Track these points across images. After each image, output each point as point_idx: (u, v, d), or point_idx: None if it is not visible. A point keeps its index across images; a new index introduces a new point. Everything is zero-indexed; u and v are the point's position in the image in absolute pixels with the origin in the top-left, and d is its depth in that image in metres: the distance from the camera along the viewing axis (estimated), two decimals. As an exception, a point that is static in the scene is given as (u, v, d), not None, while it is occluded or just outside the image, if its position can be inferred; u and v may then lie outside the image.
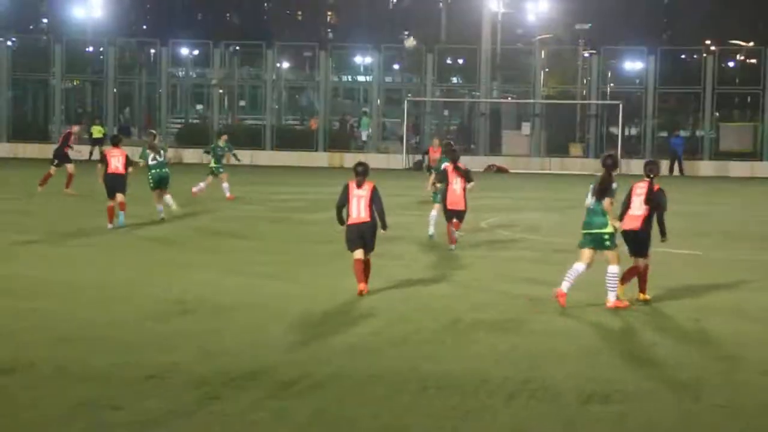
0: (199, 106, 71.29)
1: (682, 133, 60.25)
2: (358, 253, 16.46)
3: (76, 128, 34.71)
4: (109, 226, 24.54)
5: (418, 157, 56.22)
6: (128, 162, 25.86)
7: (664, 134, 62.15)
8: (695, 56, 70.59)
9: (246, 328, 13.70)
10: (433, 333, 13.52)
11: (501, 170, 54.05)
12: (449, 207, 21.67)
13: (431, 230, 23.49)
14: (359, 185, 16.60)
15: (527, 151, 58.64)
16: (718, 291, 17.44)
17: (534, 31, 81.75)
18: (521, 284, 17.65)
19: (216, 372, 11.18)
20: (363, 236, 16.45)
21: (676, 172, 54.65)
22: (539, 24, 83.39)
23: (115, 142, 26.96)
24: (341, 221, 16.74)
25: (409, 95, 60.68)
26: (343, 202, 16.62)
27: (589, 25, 77.28)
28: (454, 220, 21.71)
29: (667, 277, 18.87)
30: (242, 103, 68.51)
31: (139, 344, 12.54)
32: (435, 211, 23.42)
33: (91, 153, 55.40)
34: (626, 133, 61.47)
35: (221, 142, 33.72)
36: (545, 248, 22.71)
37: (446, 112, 68.66)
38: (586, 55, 66.87)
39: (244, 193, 33.99)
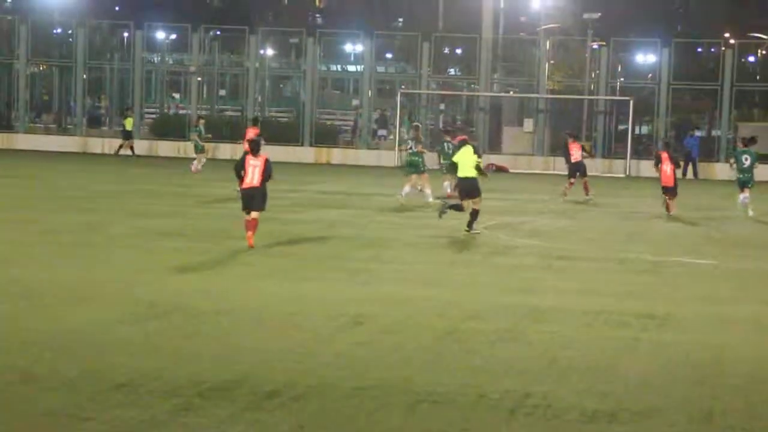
0: (176, 95, 71.28)
1: (698, 133, 60.37)
2: (249, 215, 21.85)
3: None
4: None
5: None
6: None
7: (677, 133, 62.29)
8: (713, 49, 70.76)
9: (224, 333, 13.72)
10: (426, 343, 13.53)
11: (501, 170, 54.10)
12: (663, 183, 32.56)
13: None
14: (254, 155, 22.17)
15: (529, 149, 58.72)
16: (736, 304, 17.49)
17: (538, 20, 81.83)
18: (522, 293, 17.69)
19: (191, 381, 11.21)
20: (252, 198, 21.82)
21: (689, 174, 54.77)
22: (544, 12, 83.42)
23: (255, 123, 36.53)
24: (239, 178, 22.35)
25: (403, 87, 60.73)
26: (241, 167, 22.25)
27: (599, 14, 77.33)
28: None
29: (681, 288, 18.97)
30: (222, 92, 68.48)
31: (110, 349, 12.57)
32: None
33: (120, 146, 55.27)
34: (637, 131, 61.60)
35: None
36: (547, 254, 22.77)
37: (443, 106, 68.79)
38: (595, 46, 66.94)
39: (228, 190, 33.96)
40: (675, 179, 32.49)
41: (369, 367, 12.18)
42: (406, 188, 33.28)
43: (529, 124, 59.42)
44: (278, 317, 14.84)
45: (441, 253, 22.36)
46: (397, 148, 56.79)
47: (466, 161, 26.27)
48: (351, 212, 30.36)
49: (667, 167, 32.34)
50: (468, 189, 26.05)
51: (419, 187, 33.59)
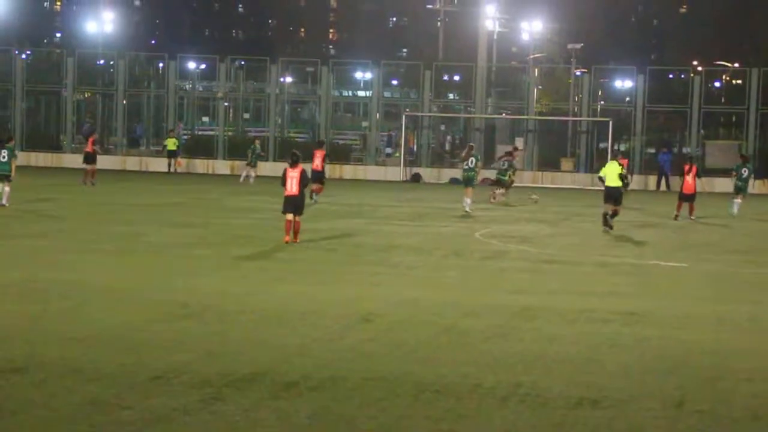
0: (205, 118, 71.34)
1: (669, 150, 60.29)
2: (289, 216, 23.27)
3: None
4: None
5: (417, 170, 56.68)
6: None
7: (652, 150, 62.26)
8: (683, 76, 70.74)
9: (248, 331, 13.70)
10: (428, 338, 13.50)
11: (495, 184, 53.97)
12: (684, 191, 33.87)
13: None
14: (293, 167, 23.42)
15: (520, 165, 58.57)
16: (702, 302, 17.44)
17: (528, 50, 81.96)
18: (512, 293, 17.65)
19: (218, 373, 11.19)
20: (293, 204, 23.20)
21: (663, 187, 54.71)
22: (533, 43, 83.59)
23: (320, 146, 38.29)
24: (283, 186, 23.45)
25: (407, 110, 60.75)
26: (284, 180, 23.44)
27: (581, 45, 77.37)
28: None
29: (654, 287, 18.92)
30: (246, 115, 68.55)
31: (146, 345, 12.55)
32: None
33: (169, 165, 55.54)
34: (616, 148, 61.53)
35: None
36: (536, 259, 22.72)
37: (443, 127, 68.78)
38: (578, 73, 66.95)
39: (251, 203, 34.09)
40: (695, 189, 33.75)
41: (376, 361, 12.15)
42: (467, 200, 34.27)
43: (519, 143, 59.40)
44: (295, 316, 14.81)
45: (441, 258, 22.31)
46: (402, 166, 56.83)
47: (612, 173, 28.68)
48: (361, 221, 30.32)
49: (689, 177, 33.77)
50: (614, 195, 28.57)
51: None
